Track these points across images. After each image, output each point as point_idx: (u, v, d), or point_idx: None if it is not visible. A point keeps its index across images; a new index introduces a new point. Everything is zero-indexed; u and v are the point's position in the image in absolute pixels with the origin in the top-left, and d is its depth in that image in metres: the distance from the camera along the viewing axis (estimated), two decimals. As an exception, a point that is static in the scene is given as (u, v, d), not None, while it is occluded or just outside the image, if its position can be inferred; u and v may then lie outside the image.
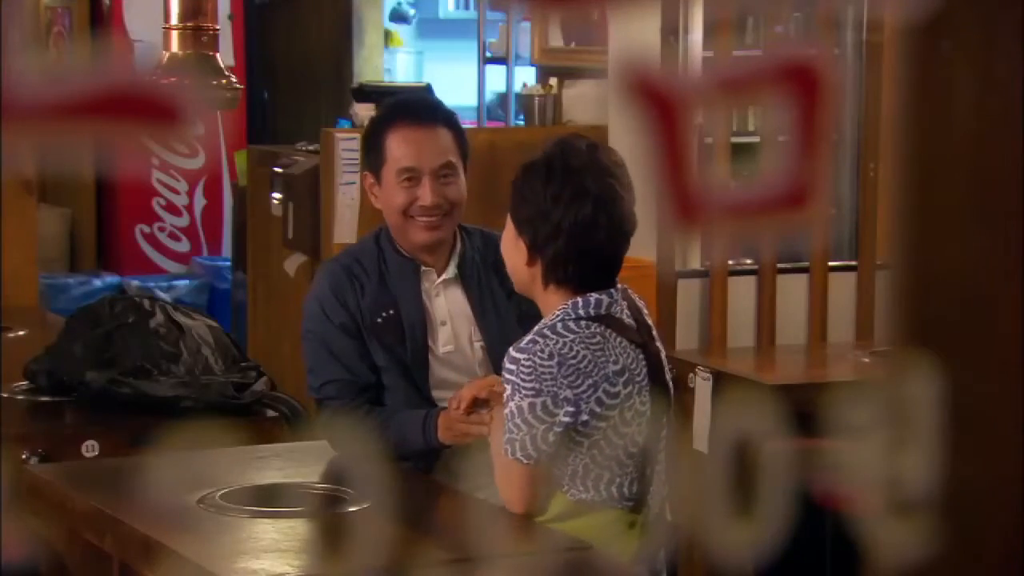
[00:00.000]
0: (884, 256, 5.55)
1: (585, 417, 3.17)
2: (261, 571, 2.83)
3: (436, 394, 3.69)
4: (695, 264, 5.61)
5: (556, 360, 3.16)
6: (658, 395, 3.27)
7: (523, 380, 3.15)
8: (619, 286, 3.29)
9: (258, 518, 3.13)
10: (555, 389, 3.14)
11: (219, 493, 3.20)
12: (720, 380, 4.98)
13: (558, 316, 3.21)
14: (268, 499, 3.21)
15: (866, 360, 5.18)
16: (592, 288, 3.23)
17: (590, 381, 3.17)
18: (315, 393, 3.69)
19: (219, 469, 3.35)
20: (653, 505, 3.28)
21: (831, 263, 5.67)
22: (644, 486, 3.25)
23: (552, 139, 3.37)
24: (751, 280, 5.57)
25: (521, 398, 3.15)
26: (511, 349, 3.20)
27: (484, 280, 3.76)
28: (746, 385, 4.95)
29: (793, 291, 5.61)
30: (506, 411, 3.18)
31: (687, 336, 5.45)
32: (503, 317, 3.73)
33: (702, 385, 5.01)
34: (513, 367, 3.17)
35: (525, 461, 3.16)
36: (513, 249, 3.32)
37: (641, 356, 3.25)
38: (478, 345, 3.73)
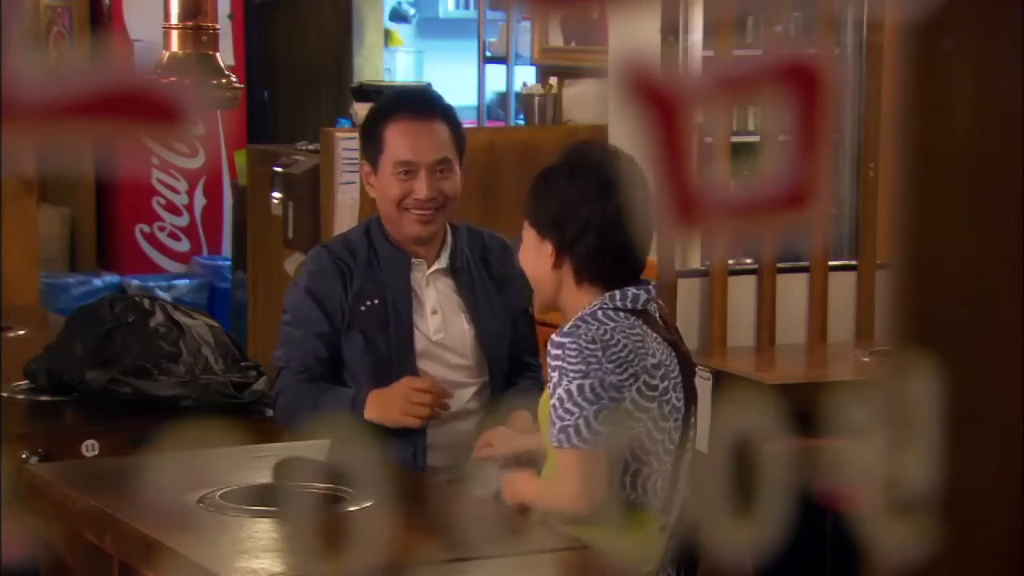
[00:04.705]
0: (884, 256, 5.55)
1: (628, 407, 3.16)
2: (261, 571, 2.83)
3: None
4: (695, 264, 5.60)
5: (599, 345, 3.15)
6: (689, 396, 3.28)
7: (570, 363, 3.14)
8: (652, 284, 3.31)
9: (258, 518, 3.13)
10: (601, 373, 3.13)
11: (219, 493, 3.20)
12: (720, 379, 4.98)
13: (596, 305, 3.21)
14: (268, 499, 3.21)
15: (866, 360, 5.17)
16: (622, 284, 3.24)
17: (631, 371, 3.16)
18: (279, 363, 3.79)
19: (219, 469, 3.35)
20: (677, 506, 3.28)
21: (831, 263, 5.67)
22: (673, 486, 3.25)
23: (567, 144, 3.39)
24: (751, 280, 5.57)
25: (569, 381, 3.14)
26: (553, 335, 3.20)
27: (475, 272, 3.82)
28: (746, 384, 4.95)
29: (793, 291, 5.61)
30: (553, 400, 3.17)
31: (687, 336, 5.40)
32: (494, 307, 3.80)
33: (702, 385, 5.00)
34: (559, 352, 3.16)
35: (581, 446, 3.14)
36: (536, 256, 3.30)
37: (673, 354, 3.26)
38: (469, 333, 3.77)
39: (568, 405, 3.14)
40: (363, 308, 3.74)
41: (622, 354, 3.16)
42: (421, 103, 3.86)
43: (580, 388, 3.13)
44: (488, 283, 3.82)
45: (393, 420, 3.56)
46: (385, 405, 3.59)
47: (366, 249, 3.79)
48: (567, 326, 3.19)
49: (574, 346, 3.14)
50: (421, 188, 3.72)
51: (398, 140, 3.75)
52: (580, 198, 3.22)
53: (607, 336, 3.16)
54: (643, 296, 3.24)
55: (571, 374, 3.14)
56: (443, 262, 3.81)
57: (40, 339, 4.53)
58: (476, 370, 3.78)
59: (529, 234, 3.31)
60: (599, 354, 3.14)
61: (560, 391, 3.15)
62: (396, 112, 3.80)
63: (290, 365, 3.76)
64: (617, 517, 3.21)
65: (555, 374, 3.16)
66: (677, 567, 3.33)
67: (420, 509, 3.32)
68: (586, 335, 3.15)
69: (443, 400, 3.61)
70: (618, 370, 3.15)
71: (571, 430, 3.14)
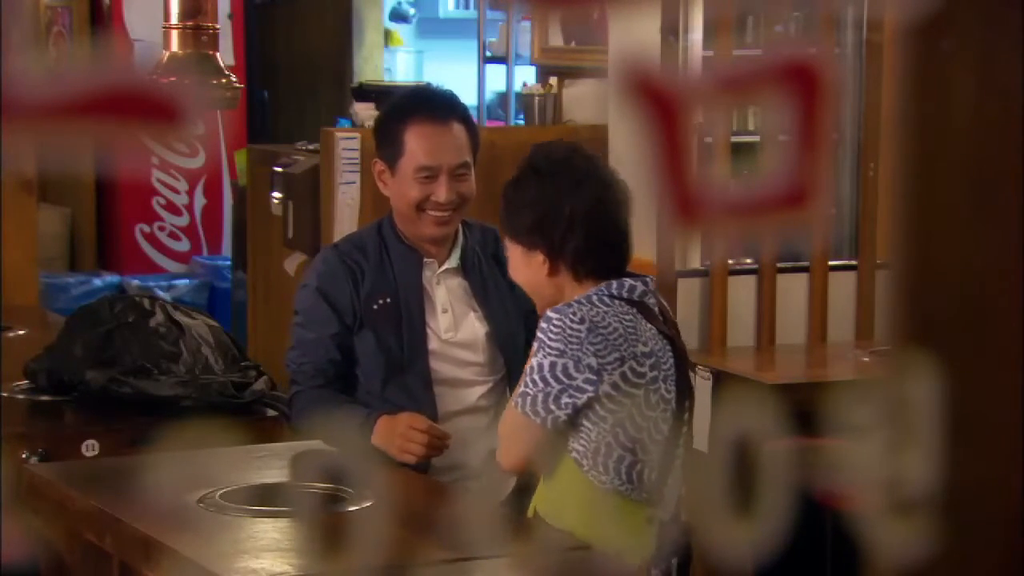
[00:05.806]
0: (884, 256, 5.55)
1: (608, 389, 3.17)
2: (261, 571, 2.83)
3: (437, 388, 3.73)
4: (695, 264, 5.61)
5: (587, 325, 3.17)
6: (682, 391, 3.29)
7: (550, 339, 3.18)
8: (650, 278, 3.32)
9: (258, 518, 3.14)
10: (579, 353, 3.16)
11: (219, 493, 3.20)
12: (720, 379, 4.98)
13: (593, 291, 3.24)
14: (268, 499, 3.21)
15: (866, 360, 5.18)
16: (619, 273, 3.26)
17: (617, 355, 3.18)
18: (292, 366, 3.80)
19: (219, 469, 3.35)
20: (670, 503, 3.28)
21: (831, 263, 5.68)
22: (663, 478, 3.26)
23: (523, 154, 3.40)
24: (751, 280, 5.57)
25: (544, 356, 3.18)
26: (548, 310, 3.22)
27: (486, 270, 3.82)
28: (746, 384, 4.95)
29: (793, 291, 5.61)
30: (527, 366, 3.23)
31: (687, 336, 5.40)
32: (506, 305, 3.80)
33: (702, 384, 5.01)
34: (545, 325, 3.20)
35: (532, 417, 3.19)
36: (526, 268, 3.32)
37: (668, 348, 3.28)
38: (481, 331, 3.77)
39: (535, 377, 3.19)
40: (375, 307, 3.74)
41: (611, 337, 3.18)
42: (440, 105, 3.84)
43: (552, 366, 3.17)
44: (501, 281, 3.81)
45: (391, 453, 3.55)
46: (388, 436, 3.57)
47: (377, 247, 3.79)
48: (562, 303, 3.22)
49: (559, 323, 3.18)
50: (441, 192, 3.72)
51: (419, 144, 3.74)
52: (557, 196, 3.24)
53: (598, 317, 3.19)
54: (640, 287, 3.26)
55: (547, 349, 3.18)
56: (453, 261, 3.82)
57: (40, 339, 4.53)
58: (489, 368, 3.78)
59: (514, 250, 3.32)
60: (582, 335, 3.16)
61: (534, 361, 3.21)
62: (415, 114, 3.78)
63: (303, 368, 3.77)
64: (591, 503, 3.22)
65: (536, 343, 3.21)
66: (672, 564, 3.33)
67: (420, 509, 3.32)
68: (575, 315, 3.18)
69: (440, 443, 3.59)
70: (602, 352, 3.17)
71: (529, 399, 3.20)
